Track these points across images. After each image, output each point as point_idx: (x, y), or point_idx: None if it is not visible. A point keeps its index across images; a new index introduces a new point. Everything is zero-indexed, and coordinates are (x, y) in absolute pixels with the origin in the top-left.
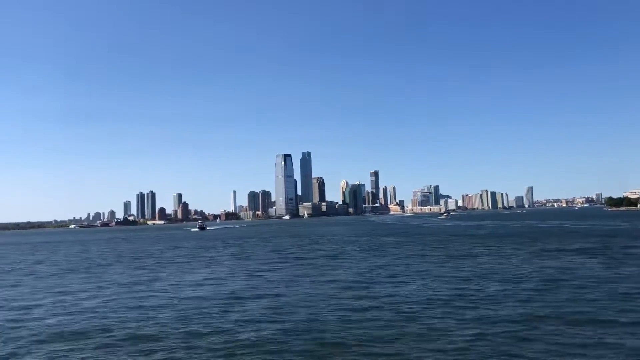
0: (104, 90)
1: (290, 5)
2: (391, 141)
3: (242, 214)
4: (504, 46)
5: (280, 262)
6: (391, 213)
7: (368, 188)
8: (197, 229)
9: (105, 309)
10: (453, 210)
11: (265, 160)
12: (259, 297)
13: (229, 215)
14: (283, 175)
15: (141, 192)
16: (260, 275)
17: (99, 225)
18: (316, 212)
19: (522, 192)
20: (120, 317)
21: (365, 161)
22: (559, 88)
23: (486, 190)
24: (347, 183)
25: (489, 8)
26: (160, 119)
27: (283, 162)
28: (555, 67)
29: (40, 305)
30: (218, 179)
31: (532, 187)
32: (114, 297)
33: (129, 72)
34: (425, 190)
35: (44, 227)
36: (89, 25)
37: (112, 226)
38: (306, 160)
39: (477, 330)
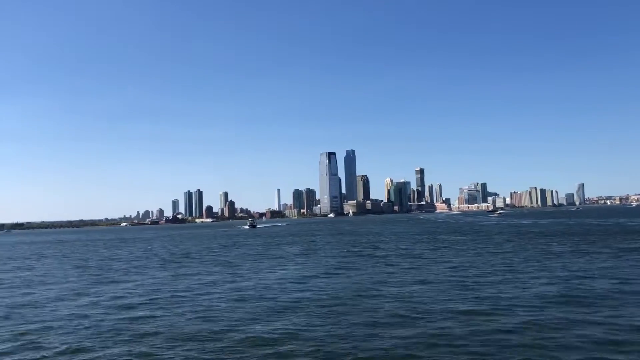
0: (154, 92)
1: (335, 3)
2: (437, 139)
3: (286, 212)
4: (551, 37)
5: (364, 260)
6: (437, 211)
7: (413, 186)
8: (247, 227)
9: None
10: (501, 208)
11: (309, 159)
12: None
13: (274, 214)
14: (327, 173)
15: (189, 191)
16: (350, 271)
17: (149, 223)
18: (361, 210)
19: (573, 189)
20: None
21: (410, 159)
22: (607, 84)
23: (535, 187)
24: (391, 181)
25: None
26: (207, 119)
27: (327, 161)
28: (606, 62)
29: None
30: (262, 177)
31: (583, 184)
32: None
33: (178, 75)
34: (472, 187)
35: (97, 225)
36: (148, 31)
37: (161, 224)
38: (350, 158)
39: None
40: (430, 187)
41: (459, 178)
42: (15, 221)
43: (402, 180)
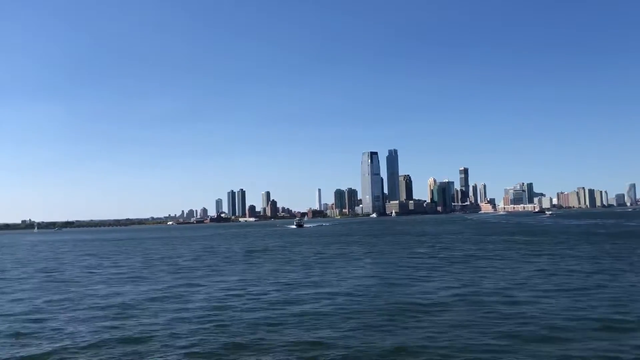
0: (196, 93)
1: (377, 1)
2: (481, 138)
3: (328, 212)
4: (597, 35)
5: (451, 262)
6: (482, 212)
7: (457, 186)
8: (295, 226)
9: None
10: (548, 209)
11: (350, 159)
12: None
13: (315, 213)
14: (369, 173)
15: (232, 190)
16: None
17: (194, 222)
18: (403, 210)
19: (623, 190)
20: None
21: (454, 158)
22: None
23: (583, 187)
24: (434, 181)
25: None
26: (249, 118)
27: (369, 160)
28: None
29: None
30: (303, 177)
31: (634, 184)
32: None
33: (221, 75)
34: (518, 188)
35: (143, 223)
36: (189, 33)
37: (206, 223)
38: (393, 157)
39: None
40: (475, 187)
41: (503, 178)
42: (65, 220)
43: (446, 180)
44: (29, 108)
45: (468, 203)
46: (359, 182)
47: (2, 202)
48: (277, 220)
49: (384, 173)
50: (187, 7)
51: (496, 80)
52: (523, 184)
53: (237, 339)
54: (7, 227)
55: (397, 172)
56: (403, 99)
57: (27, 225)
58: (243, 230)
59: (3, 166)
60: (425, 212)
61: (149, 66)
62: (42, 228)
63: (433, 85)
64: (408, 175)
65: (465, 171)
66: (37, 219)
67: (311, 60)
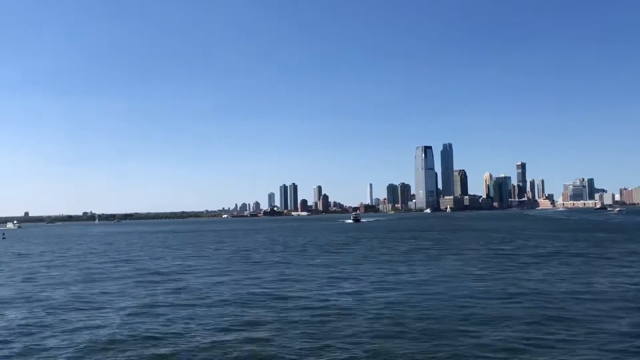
0: (251, 87)
1: None
2: (538, 132)
3: (380, 207)
4: None
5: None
6: (539, 207)
7: (513, 181)
8: (351, 221)
9: None
10: (610, 205)
11: (402, 153)
12: None
13: (367, 208)
14: (423, 167)
15: (284, 184)
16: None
17: (248, 215)
18: (458, 206)
19: None
20: None
21: (510, 153)
22: None
23: None
24: (490, 176)
25: None
26: (300, 113)
27: (423, 154)
28: None
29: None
30: (354, 171)
31: None
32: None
33: (275, 70)
34: (578, 183)
35: (198, 216)
36: (241, 30)
37: (260, 216)
38: (447, 152)
39: None
40: (532, 183)
41: (562, 174)
42: (124, 212)
43: (502, 175)
44: (88, 104)
45: (525, 199)
46: (411, 177)
47: (66, 195)
48: (327, 214)
49: (438, 168)
50: (249, 2)
51: (556, 71)
52: (583, 179)
53: None
54: (70, 218)
55: (452, 166)
56: (458, 92)
57: (89, 217)
58: (301, 224)
59: (66, 161)
60: (481, 208)
61: (205, 60)
62: (102, 220)
63: (489, 76)
64: (463, 170)
65: (523, 166)
66: (97, 211)
67: (366, 54)
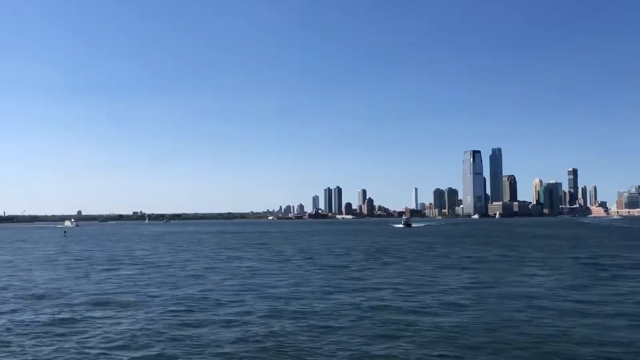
0: (297, 90)
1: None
2: (590, 137)
3: (426, 212)
4: None
5: None
6: (592, 215)
7: (565, 188)
8: (402, 225)
9: None
10: None
11: (449, 157)
12: None
13: (413, 213)
14: (471, 172)
15: (329, 187)
16: None
17: (293, 217)
18: (507, 212)
19: None
20: None
21: (561, 159)
22: None
23: None
24: (540, 182)
25: None
26: (345, 115)
27: (472, 159)
28: None
29: None
30: (399, 175)
31: None
32: None
33: (318, 72)
34: (634, 191)
35: (244, 217)
36: (292, 31)
37: (305, 219)
38: (496, 157)
39: None
40: (584, 189)
41: (616, 180)
42: (172, 212)
43: (553, 181)
44: (134, 106)
45: (577, 206)
46: (458, 182)
47: (117, 195)
48: (372, 218)
49: (486, 173)
50: (294, 5)
51: (607, 74)
52: (639, 187)
53: None
54: (120, 217)
55: (501, 172)
56: (509, 95)
57: (139, 217)
58: (353, 227)
59: (117, 164)
60: (530, 215)
61: (252, 64)
62: (152, 219)
63: (541, 79)
64: (512, 176)
65: (574, 172)
66: (146, 210)
67: (412, 55)
